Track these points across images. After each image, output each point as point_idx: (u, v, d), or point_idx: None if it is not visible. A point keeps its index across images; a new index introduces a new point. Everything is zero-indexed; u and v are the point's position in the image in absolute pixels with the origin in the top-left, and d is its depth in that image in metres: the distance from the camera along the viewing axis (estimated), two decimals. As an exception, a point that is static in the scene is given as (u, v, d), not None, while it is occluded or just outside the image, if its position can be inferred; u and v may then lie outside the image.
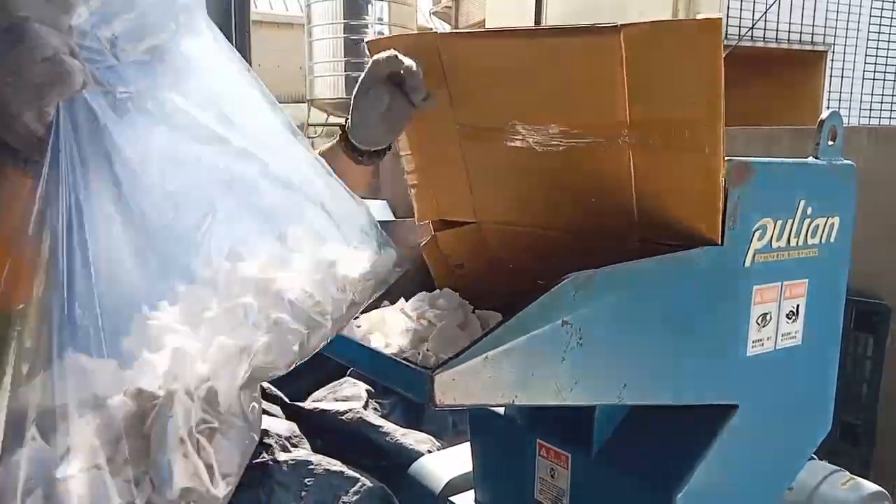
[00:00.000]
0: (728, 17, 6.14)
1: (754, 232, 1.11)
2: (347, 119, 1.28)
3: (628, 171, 1.08)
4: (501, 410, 1.39)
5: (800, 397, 1.28)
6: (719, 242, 1.05)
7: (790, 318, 1.21)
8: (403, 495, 1.65)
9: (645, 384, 1.00)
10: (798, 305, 1.22)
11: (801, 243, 1.19)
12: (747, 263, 1.11)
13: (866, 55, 7.13)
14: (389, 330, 1.05)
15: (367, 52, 1.26)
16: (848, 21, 6.85)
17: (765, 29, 6.35)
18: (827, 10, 6.69)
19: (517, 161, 1.17)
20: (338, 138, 1.30)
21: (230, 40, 1.28)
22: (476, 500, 1.48)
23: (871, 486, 1.53)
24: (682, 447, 1.13)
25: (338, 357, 0.99)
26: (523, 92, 1.11)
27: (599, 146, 1.08)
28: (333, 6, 9.12)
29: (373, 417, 2.67)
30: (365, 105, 1.22)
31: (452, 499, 1.49)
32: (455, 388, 0.76)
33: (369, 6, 9.08)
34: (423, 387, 0.74)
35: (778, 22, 6.32)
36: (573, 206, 1.20)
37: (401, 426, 2.70)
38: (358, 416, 2.61)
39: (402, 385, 0.80)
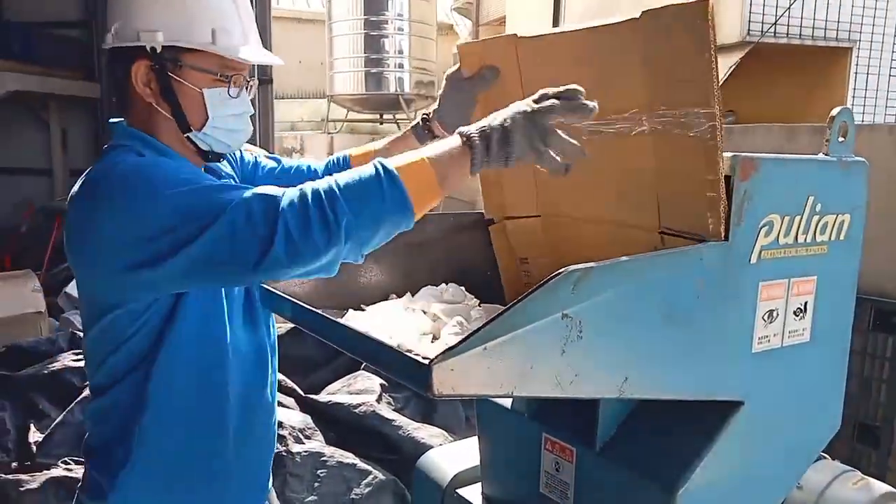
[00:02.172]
0: (751, 12, 6.07)
1: (760, 228, 1.10)
2: (427, 114, 1.46)
3: (650, 158, 1.09)
4: (509, 404, 1.40)
5: (808, 395, 1.27)
6: (723, 238, 1.06)
7: (798, 315, 1.21)
8: (412, 488, 1.66)
9: (647, 379, 1.00)
10: (806, 303, 1.21)
11: (809, 240, 1.18)
12: (753, 260, 1.10)
13: (893, 51, 7.00)
14: (396, 322, 1.06)
15: (457, 56, 1.38)
16: (875, 17, 6.73)
17: (788, 25, 6.26)
18: (853, 6, 6.58)
19: (588, 146, 1.19)
20: (418, 123, 1.46)
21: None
22: (483, 493, 1.49)
23: (882, 487, 1.52)
24: (686, 444, 1.13)
25: (343, 348, 1.01)
26: (578, 83, 1.12)
27: (627, 134, 1.10)
28: (354, 2, 9.16)
29: (386, 411, 2.69)
30: (462, 103, 1.39)
31: (460, 491, 1.51)
32: (454, 377, 0.77)
33: (389, 2, 9.09)
34: (423, 376, 0.75)
35: (802, 17, 6.23)
36: (617, 197, 1.23)
37: (414, 420, 2.73)
38: (371, 409, 2.63)
39: (403, 375, 0.81)
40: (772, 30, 5.81)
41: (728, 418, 1.14)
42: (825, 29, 6.43)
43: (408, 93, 9.78)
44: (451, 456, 1.63)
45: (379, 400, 2.79)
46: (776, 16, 5.98)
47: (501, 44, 1.31)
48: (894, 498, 1.53)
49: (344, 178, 1.04)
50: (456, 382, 0.78)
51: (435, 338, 1.06)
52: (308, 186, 1.04)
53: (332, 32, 9.64)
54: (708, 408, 1.14)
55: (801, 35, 6.37)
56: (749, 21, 6.10)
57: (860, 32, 6.72)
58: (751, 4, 6.04)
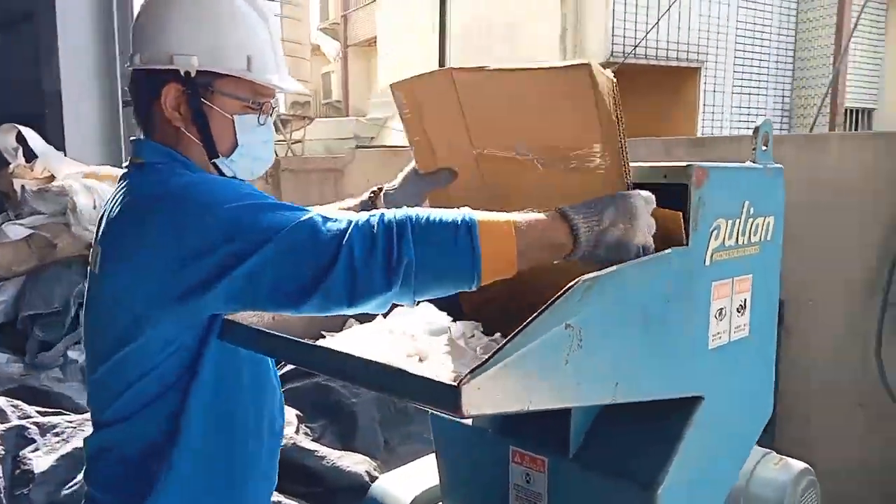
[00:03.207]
0: (614, 35, 6.52)
1: (711, 232, 1.18)
2: (379, 188, 1.42)
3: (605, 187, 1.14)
4: (470, 421, 1.40)
5: (750, 385, 1.37)
6: (685, 243, 1.12)
7: (740, 312, 1.29)
8: (366, 518, 1.61)
9: (632, 382, 1.03)
10: (745, 299, 1.30)
11: (746, 241, 1.28)
12: (707, 262, 1.17)
13: (734, 71, 7.75)
14: (376, 347, 1.03)
15: (392, 94, 1.34)
16: (718, 40, 7.44)
17: (646, 47, 6.78)
18: (699, 30, 7.24)
19: (526, 179, 1.23)
20: (364, 199, 1.42)
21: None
22: (445, 514, 1.47)
23: (799, 464, 1.65)
24: (658, 443, 1.17)
25: (352, 380, 0.96)
26: (519, 119, 1.16)
27: (579, 167, 1.14)
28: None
29: (306, 442, 2.59)
30: (413, 196, 1.40)
31: (421, 514, 1.48)
32: (480, 397, 0.76)
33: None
34: (452, 398, 0.74)
35: (657, 41, 6.77)
36: None
37: (335, 448, 2.64)
38: (292, 441, 2.52)
39: (429, 399, 0.79)
40: (633, 51, 6.26)
41: (692, 414, 1.19)
42: (678, 50, 7.02)
43: (283, 113, 9.58)
44: (403, 481, 1.60)
45: (297, 431, 2.69)
46: (636, 39, 6.46)
47: (437, 78, 1.30)
48: (809, 473, 1.67)
49: (422, 214, 0.98)
50: (482, 402, 0.77)
51: (421, 359, 1.04)
52: (378, 214, 0.99)
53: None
54: (668, 406, 1.20)
55: (657, 56, 6.90)
56: (612, 44, 6.54)
57: (706, 54, 7.40)
58: (613, 29, 6.48)
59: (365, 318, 1.24)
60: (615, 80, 1.05)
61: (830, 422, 2.88)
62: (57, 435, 2.26)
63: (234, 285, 1.00)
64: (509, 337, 0.79)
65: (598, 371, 0.95)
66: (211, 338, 1.13)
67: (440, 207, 1.40)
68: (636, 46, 6.24)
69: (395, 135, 9.04)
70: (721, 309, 1.23)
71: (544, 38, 6.94)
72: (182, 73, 1.17)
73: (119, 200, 1.15)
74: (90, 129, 5.18)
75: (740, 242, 1.26)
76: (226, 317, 1.10)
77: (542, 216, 1.02)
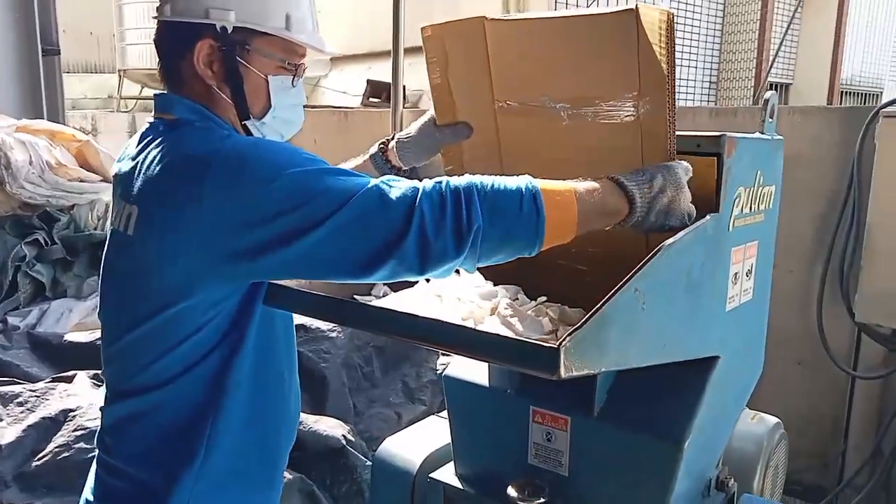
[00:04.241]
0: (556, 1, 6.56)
1: (734, 200, 1.23)
2: (388, 139, 1.39)
3: (636, 140, 1.16)
4: (485, 381, 1.42)
5: (751, 345, 1.45)
6: (716, 209, 1.16)
7: (748, 276, 1.36)
8: (374, 481, 1.61)
9: (676, 343, 1.08)
10: (752, 264, 1.37)
11: (756, 209, 1.34)
12: (730, 228, 1.23)
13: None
14: (430, 311, 1.03)
15: (422, 38, 1.31)
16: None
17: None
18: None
19: (546, 133, 1.22)
20: (374, 153, 1.39)
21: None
22: (457, 473, 1.49)
23: (771, 419, 1.77)
24: (681, 400, 1.23)
25: (437, 343, 0.96)
26: (553, 69, 1.15)
27: (607, 119, 1.15)
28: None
29: (277, 407, 2.57)
30: (429, 147, 1.39)
31: (433, 475, 1.50)
32: (572, 358, 0.78)
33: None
34: (552, 361, 0.75)
35: (597, 6, 6.86)
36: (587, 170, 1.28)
37: (308, 414, 2.63)
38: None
39: (528, 362, 0.80)
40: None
41: (709, 372, 1.26)
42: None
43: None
44: (410, 442, 1.61)
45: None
46: (577, 3, 6.53)
47: (469, 26, 1.29)
48: (780, 426, 1.79)
49: (486, 181, 0.98)
50: (574, 363, 0.79)
51: (476, 322, 1.05)
52: (444, 181, 0.97)
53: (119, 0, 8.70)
54: (686, 366, 1.25)
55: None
56: (556, 4, 6.58)
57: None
58: (556, 6, 6.53)
59: (398, 286, 1.23)
60: (672, 19, 1.05)
61: (774, 377, 3.07)
62: (21, 405, 2.15)
63: (299, 252, 0.97)
64: (601, 303, 0.81)
65: (653, 333, 0.99)
66: (255, 304, 1.10)
67: (454, 163, 1.42)
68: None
69: (329, 94, 8.84)
70: (736, 273, 1.30)
71: (488, 1, 6.90)
72: (218, 28, 1.12)
73: (157, 158, 1.09)
74: (8, 80, 4.83)
75: (752, 210, 1.32)
76: (277, 283, 1.07)
77: (597, 184, 1.04)
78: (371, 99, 6.76)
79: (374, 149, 1.42)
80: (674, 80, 1.08)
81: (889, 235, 2.62)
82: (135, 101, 9.48)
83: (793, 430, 1.83)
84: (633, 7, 1.08)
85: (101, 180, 3.60)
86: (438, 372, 3.09)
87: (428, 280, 1.20)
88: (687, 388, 1.25)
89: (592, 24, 1.13)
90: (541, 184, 0.99)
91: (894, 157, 2.58)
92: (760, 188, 1.34)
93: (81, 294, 3.28)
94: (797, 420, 3.00)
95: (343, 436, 2.47)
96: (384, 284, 1.31)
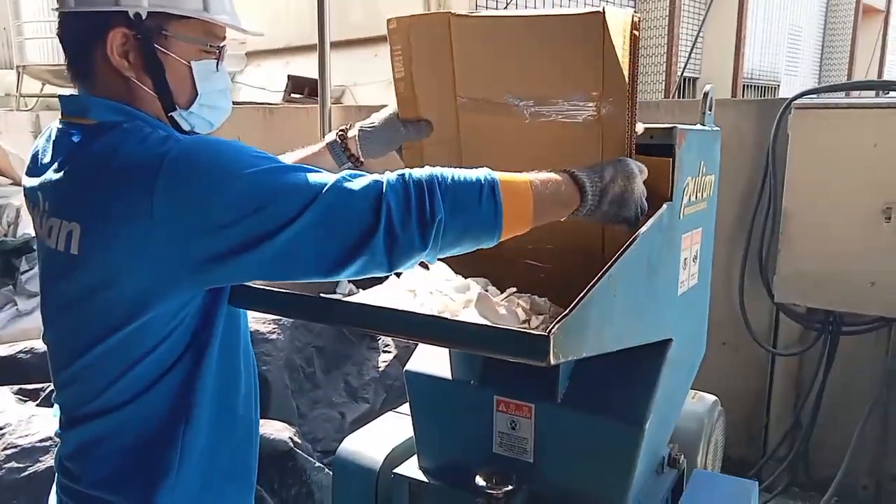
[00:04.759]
0: (476, 1, 6.63)
1: (684, 188, 1.29)
2: (346, 128, 1.37)
3: (597, 139, 1.19)
4: (447, 374, 1.43)
5: (697, 327, 1.52)
6: (670, 199, 1.22)
7: (695, 261, 1.43)
8: (336, 481, 1.59)
9: (638, 327, 1.13)
10: (697, 250, 1.44)
11: (700, 197, 1.41)
12: (681, 216, 1.29)
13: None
14: (406, 306, 1.03)
15: (387, 30, 1.29)
16: (569, 5, 7.80)
17: (508, 4, 6.95)
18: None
19: (507, 130, 1.23)
20: (332, 141, 1.36)
21: None
22: (421, 468, 1.50)
23: (710, 397, 1.87)
24: (640, 384, 1.28)
25: (423, 337, 0.95)
26: (517, 66, 1.17)
27: (576, 118, 1.18)
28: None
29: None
30: (389, 142, 1.39)
31: (398, 470, 1.50)
32: (564, 345, 0.80)
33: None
34: (542, 348, 0.77)
35: (526, 4, 6.98)
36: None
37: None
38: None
39: (517, 351, 0.81)
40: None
41: (664, 355, 1.31)
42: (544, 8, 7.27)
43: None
44: (371, 439, 1.61)
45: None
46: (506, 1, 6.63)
47: (434, 20, 1.30)
48: (718, 404, 1.90)
49: (447, 173, 0.98)
50: (562, 349, 0.81)
51: (452, 315, 1.05)
52: (405, 173, 0.95)
53: (16, -8, 8.17)
54: (641, 350, 1.30)
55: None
56: (476, 6, 6.64)
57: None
58: (476, 6, 6.59)
59: (367, 283, 1.22)
60: (637, 22, 1.08)
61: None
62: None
63: (266, 255, 0.94)
64: (584, 293, 0.83)
65: (623, 318, 1.03)
66: (220, 303, 1.06)
67: (414, 158, 1.42)
68: (506, 7, 6.42)
69: (246, 90, 8.62)
70: (685, 259, 1.36)
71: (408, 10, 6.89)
72: (131, 14, 1.04)
73: (91, 169, 1.01)
74: None
75: (698, 198, 1.39)
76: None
77: (552, 175, 1.06)
78: (293, 95, 6.64)
79: (331, 137, 1.38)
80: (635, 81, 1.11)
81: (803, 220, 2.80)
82: (36, 98, 8.95)
83: (722, 408, 1.95)
84: (601, 10, 1.12)
85: (11, 184, 3.39)
86: (381, 369, 3.08)
87: (398, 275, 1.20)
88: (645, 371, 1.30)
89: (559, 24, 1.16)
90: (498, 175, 1.00)
91: (806, 147, 2.76)
92: (703, 177, 1.41)
93: (-5, 305, 3.08)
94: (724, 397, 3.16)
95: (290, 438, 2.42)
96: (349, 282, 1.30)
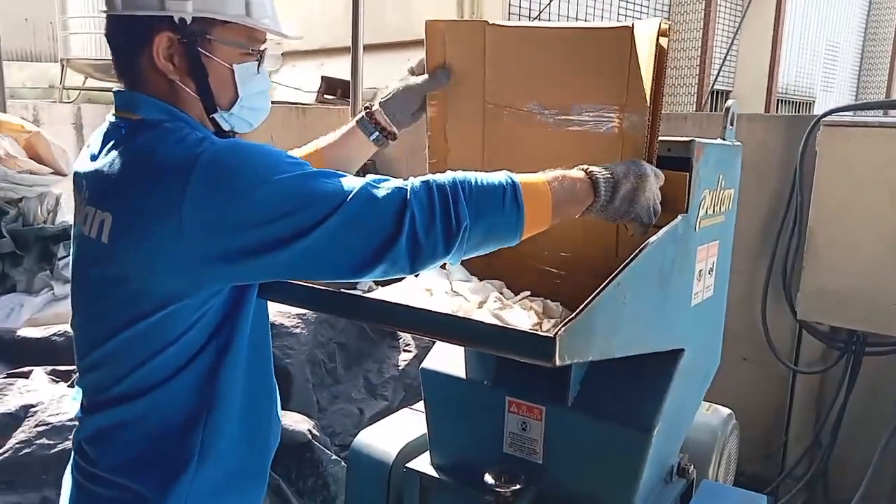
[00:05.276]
0: (510, 4, 6.66)
1: (701, 201, 1.31)
2: (371, 105, 1.40)
3: (617, 150, 1.22)
4: (462, 374, 1.47)
5: (711, 339, 1.54)
6: (686, 211, 1.24)
7: (710, 274, 1.45)
8: (350, 472, 1.64)
9: (648, 335, 1.15)
10: (714, 262, 1.46)
11: (717, 211, 1.43)
12: (697, 228, 1.31)
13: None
14: (421, 305, 1.07)
15: (424, 32, 1.36)
16: (602, 20, 7.80)
17: (539, 19, 6.97)
18: (587, 7, 7.55)
19: (531, 138, 1.28)
20: (361, 117, 1.40)
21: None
22: (433, 463, 1.54)
23: (724, 410, 1.88)
24: (651, 390, 1.31)
25: (435, 334, 1.00)
26: (545, 76, 1.21)
27: (598, 129, 1.22)
28: (89, -47, 8.05)
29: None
30: (411, 97, 1.40)
31: (410, 465, 1.54)
32: (570, 347, 0.84)
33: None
34: (548, 349, 0.81)
35: (559, 13, 6.99)
36: None
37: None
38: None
39: (525, 351, 0.85)
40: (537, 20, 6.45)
41: (676, 364, 1.34)
42: (576, 19, 7.29)
43: (163, 61, 8.83)
44: (386, 434, 1.65)
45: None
46: (539, 9, 6.65)
47: (470, 28, 1.35)
48: (732, 417, 1.90)
49: (470, 178, 1.02)
50: (568, 352, 0.84)
51: (466, 314, 1.09)
52: (429, 179, 1.00)
53: (63, -13, 8.40)
54: (654, 358, 1.33)
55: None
56: (510, 14, 6.67)
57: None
58: (509, 5, 6.63)
59: (386, 280, 1.26)
60: (665, 30, 1.12)
61: (721, 372, 3.22)
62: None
63: (292, 255, 0.98)
64: (592, 297, 0.87)
65: (632, 325, 1.06)
66: (246, 300, 1.11)
67: (438, 157, 1.46)
68: (535, 18, 6.44)
69: (281, 90, 8.74)
70: (700, 270, 1.38)
71: (442, 1, 6.96)
72: (176, 20, 1.08)
73: (129, 164, 1.07)
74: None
75: (715, 211, 1.41)
76: None
77: (568, 172, 1.10)
78: (325, 95, 6.73)
79: (359, 115, 1.43)
80: (660, 93, 1.14)
81: (828, 238, 2.78)
82: (78, 91, 9.18)
83: (738, 423, 1.95)
84: (630, 25, 1.16)
85: (52, 173, 3.51)
86: (400, 368, 3.13)
87: (416, 275, 1.24)
88: (655, 379, 1.32)
89: (590, 36, 1.19)
90: (519, 178, 1.05)
91: (834, 164, 2.74)
92: (722, 191, 1.43)
93: (32, 289, 3.20)
94: (742, 413, 3.15)
95: (309, 430, 2.48)
96: (369, 279, 1.35)
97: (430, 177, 1.02)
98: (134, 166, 1.06)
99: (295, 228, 0.97)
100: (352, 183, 1.01)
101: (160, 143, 1.05)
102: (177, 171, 1.01)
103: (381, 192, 0.99)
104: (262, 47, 1.18)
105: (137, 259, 1.03)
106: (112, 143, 1.11)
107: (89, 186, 1.12)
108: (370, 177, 1.03)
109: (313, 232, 0.96)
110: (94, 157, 1.14)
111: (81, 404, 1.20)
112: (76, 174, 1.18)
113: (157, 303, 1.05)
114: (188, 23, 1.09)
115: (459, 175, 1.03)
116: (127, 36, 1.12)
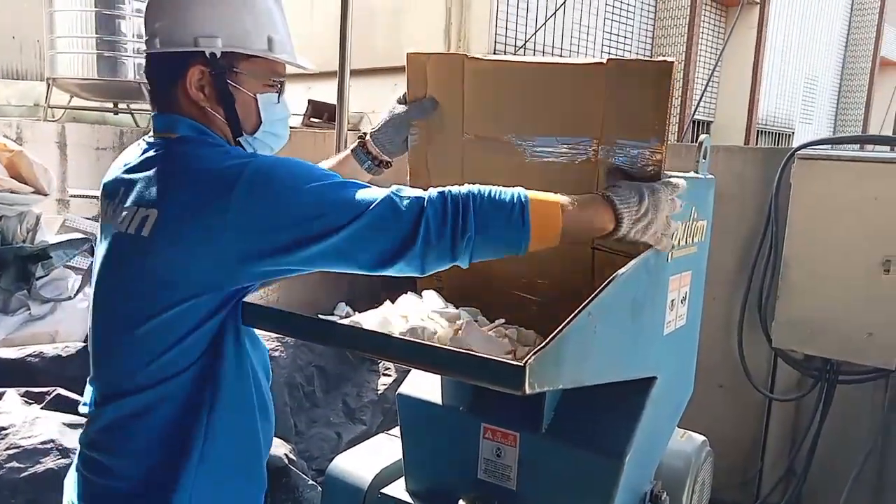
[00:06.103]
0: (496, 34, 6.77)
1: (674, 234, 1.34)
2: (366, 133, 1.50)
3: (591, 181, 1.25)
4: (438, 399, 1.48)
5: (683, 367, 1.56)
6: (659, 243, 1.27)
7: (683, 303, 1.48)
8: (325, 498, 1.63)
9: (620, 364, 1.17)
10: (686, 292, 1.49)
11: (689, 242, 1.46)
12: (669, 259, 1.34)
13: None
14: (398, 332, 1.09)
15: (406, 62, 1.41)
16: (587, 48, 7.95)
17: (525, 50, 7.10)
18: (573, 37, 7.69)
19: (507, 168, 1.31)
20: (355, 147, 1.51)
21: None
22: (408, 490, 1.54)
23: (698, 437, 1.89)
24: (623, 418, 1.32)
25: (407, 361, 1.01)
26: (523, 109, 1.25)
27: (573, 160, 1.25)
28: (80, -26, 8.08)
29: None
30: (399, 126, 1.48)
31: (385, 490, 1.54)
32: (539, 375, 0.85)
33: (125, -22, 8.21)
34: (517, 377, 0.82)
35: (544, 44, 7.13)
36: None
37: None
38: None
39: (495, 379, 0.86)
40: (515, 52, 6.54)
41: (648, 392, 1.36)
42: (561, 50, 7.40)
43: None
44: (361, 459, 1.65)
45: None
46: (516, 40, 6.76)
47: (449, 60, 1.38)
48: (706, 444, 1.92)
49: (483, 191, 1.10)
50: (538, 380, 0.86)
51: (441, 341, 1.11)
52: (446, 191, 1.10)
53: (52, 6, 8.40)
54: (626, 386, 1.35)
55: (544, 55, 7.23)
56: (496, 43, 6.78)
57: (583, 54, 7.87)
58: (495, 28, 6.73)
59: (362, 307, 1.28)
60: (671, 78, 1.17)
61: (696, 399, 3.25)
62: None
63: (322, 250, 1.08)
64: (562, 325, 0.89)
65: (603, 353, 1.08)
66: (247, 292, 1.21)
67: (422, 186, 1.50)
68: (520, 48, 6.55)
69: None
70: (673, 300, 1.41)
71: (430, 28, 7.05)
72: (207, 54, 1.21)
73: (179, 168, 1.18)
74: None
75: (688, 242, 1.44)
76: (250, 301, 1.13)
77: (592, 199, 1.17)
78: (312, 119, 6.78)
79: (354, 145, 1.54)
80: (665, 123, 1.20)
81: (803, 268, 2.83)
82: (63, 110, 9.16)
83: (714, 450, 1.97)
84: (603, 61, 1.21)
85: (33, 192, 3.49)
86: (379, 392, 3.12)
87: (392, 301, 1.26)
88: (628, 406, 1.34)
89: (565, 72, 1.24)
90: (532, 195, 1.11)
91: (808, 196, 2.81)
92: (695, 222, 1.46)
93: (8, 308, 3.16)
94: (718, 440, 3.17)
95: (285, 454, 2.47)
96: (346, 305, 1.36)
97: (448, 188, 1.11)
98: (183, 170, 1.18)
99: (324, 228, 1.07)
100: (377, 192, 1.11)
101: (207, 153, 1.19)
102: (227, 174, 1.12)
103: (402, 201, 1.09)
104: (281, 79, 1.32)
105: (179, 254, 1.12)
106: (156, 153, 1.23)
107: (130, 191, 1.21)
108: (394, 186, 1.13)
109: (343, 230, 1.07)
110: (131, 168, 1.25)
111: (94, 401, 1.27)
112: (109, 182, 1.28)
113: (188, 293, 1.13)
114: (217, 57, 1.22)
115: (475, 188, 1.12)
116: (164, 69, 1.26)
